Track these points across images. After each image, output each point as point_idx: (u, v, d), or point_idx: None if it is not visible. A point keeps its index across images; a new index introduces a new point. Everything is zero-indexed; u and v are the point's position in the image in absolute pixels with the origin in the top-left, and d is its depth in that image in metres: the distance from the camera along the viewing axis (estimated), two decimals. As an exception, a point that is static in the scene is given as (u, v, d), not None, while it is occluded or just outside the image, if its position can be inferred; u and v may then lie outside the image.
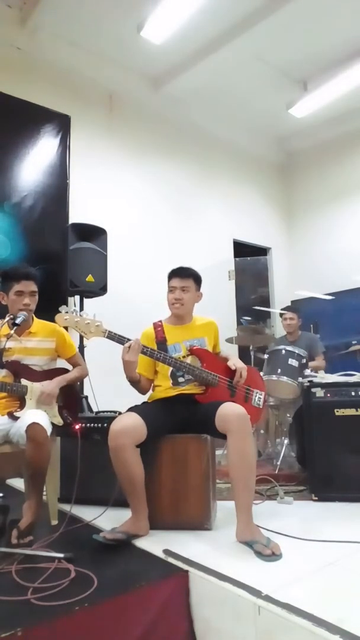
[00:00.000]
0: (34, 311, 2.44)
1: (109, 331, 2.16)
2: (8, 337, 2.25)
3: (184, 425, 2.27)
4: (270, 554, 1.82)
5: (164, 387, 2.38)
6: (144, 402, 2.38)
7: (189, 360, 2.37)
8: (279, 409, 3.82)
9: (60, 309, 2.15)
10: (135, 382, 2.32)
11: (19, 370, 2.34)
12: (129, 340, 2.17)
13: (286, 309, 4.57)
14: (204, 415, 2.18)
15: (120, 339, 2.16)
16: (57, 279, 3.96)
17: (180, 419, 2.27)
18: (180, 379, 2.36)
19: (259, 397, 2.51)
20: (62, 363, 2.56)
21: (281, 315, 4.51)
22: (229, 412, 2.08)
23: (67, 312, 2.14)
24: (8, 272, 2.42)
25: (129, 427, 2.05)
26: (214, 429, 2.12)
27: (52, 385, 2.36)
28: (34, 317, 2.48)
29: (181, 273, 2.46)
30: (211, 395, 2.31)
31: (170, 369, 2.34)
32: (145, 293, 4.46)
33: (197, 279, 2.49)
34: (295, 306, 5.10)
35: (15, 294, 2.35)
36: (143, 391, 2.41)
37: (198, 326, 2.52)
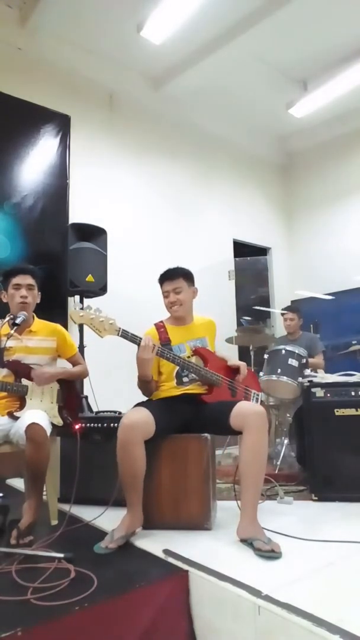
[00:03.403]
0: (33, 308, 2.46)
1: (122, 329, 2.13)
2: (8, 336, 2.26)
3: (187, 425, 2.27)
4: (269, 550, 1.82)
5: (168, 387, 2.38)
6: (148, 400, 2.38)
7: (193, 360, 2.38)
8: (279, 409, 3.82)
9: (74, 306, 2.14)
10: (146, 382, 2.30)
11: (20, 369, 2.34)
12: (141, 339, 2.16)
13: (287, 309, 4.57)
14: (214, 414, 2.19)
15: (133, 338, 2.14)
16: (57, 279, 3.95)
17: (184, 419, 2.28)
18: (185, 379, 2.37)
19: (257, 398, 2.55)
20: (62, 363, 2.56)
21: (282, 315, 4.52)
22: (248, 409, 2.11)
23: (82, 309, 2.11)
24: (7, 269, 2.49)
25: (140, 422, 2.05)
26: (226, 427, 2.13)
27: (55, 370, 2.41)
28: (35, 316, 2.49)
29: (170, 276, 2.44)
30: (215, 395, 2.33)
31: (176, 369, 2.34)
32: (145, 293, 4.45)
33: (186, 275, 2.47)
34: (295, 306, 5.09)
35: (13, 288, 2.40)
36: (149, 392, 2.38)
37: (199, 326, 2.53)
